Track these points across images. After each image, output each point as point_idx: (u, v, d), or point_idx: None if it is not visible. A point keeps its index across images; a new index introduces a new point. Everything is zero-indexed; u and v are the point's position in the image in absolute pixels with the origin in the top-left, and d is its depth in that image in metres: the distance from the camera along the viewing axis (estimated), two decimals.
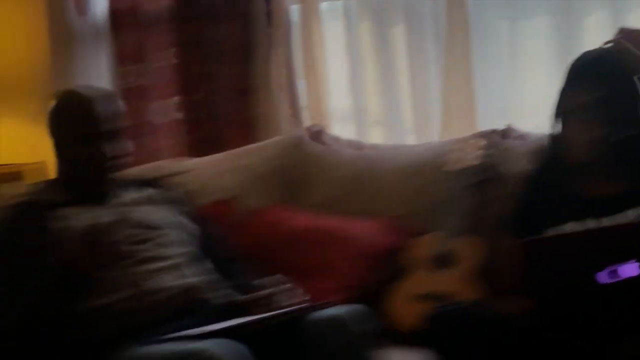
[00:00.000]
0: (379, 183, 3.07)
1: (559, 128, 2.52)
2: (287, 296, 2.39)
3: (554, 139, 2.54)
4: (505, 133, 3.07)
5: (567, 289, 2.18)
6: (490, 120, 3.27)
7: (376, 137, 3.50)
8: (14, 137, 3.82)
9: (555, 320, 2.22)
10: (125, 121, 2.55)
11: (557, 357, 2.23)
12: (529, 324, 2.26)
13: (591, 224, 2.45)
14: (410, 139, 3.44)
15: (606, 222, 2.43)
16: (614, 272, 2.12)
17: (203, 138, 3.57)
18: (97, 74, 3.63)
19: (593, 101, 2.43)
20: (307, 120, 3.49)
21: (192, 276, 2.48)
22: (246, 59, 3.49)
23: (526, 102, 3.34)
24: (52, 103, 2.56)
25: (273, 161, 3.22)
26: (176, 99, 3.60)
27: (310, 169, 3.19)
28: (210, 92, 3.52)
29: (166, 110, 3.59)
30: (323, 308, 2.33)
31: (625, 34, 2.81)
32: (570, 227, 2.46)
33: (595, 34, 3.16)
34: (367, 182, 3.08)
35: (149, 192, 2.67)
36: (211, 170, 3.21)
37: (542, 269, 2.17)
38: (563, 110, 2.50)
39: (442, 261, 2.76)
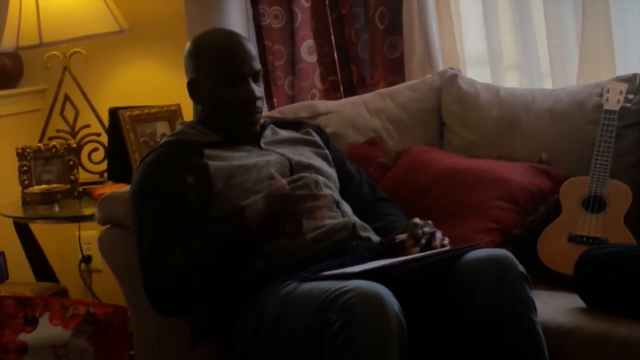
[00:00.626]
0: (522, 127, 3.06)
1: None
2: (440, 237, 2.36)
3: None
4: None
5: None
6: (628, 65, 3.23)
7: (511, 81, 3.48)
8: (149, 80, 3.90)
9: None
10: (258, 62, 2.56)
11: None
12: None
13: None
14: (547, 84, 3.40)
15: None
16: None
17: (344, 80, 3.59)
18: (233, 15, 3.64)
19: None
20: (441, 64, 3.48)
21: (345, 215, 2.52)
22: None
23: None
24: (190, 45, 2.58)
25: (412, 104, 3.21)
26: (310, 41, 3.60)
27: (450, 113, 3.19)
28: (351, 33, 3.52)
29: (307, 51, 3.60)
30: (471, 250, 2.28)
31: None
32: None
33: None
34: (510, 126, 3.07)
35: (289, 133, 2.71)
36: (353, 112, 3.20)
37: None
38: None
39: (592, 205, 2.76)
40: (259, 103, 2.55)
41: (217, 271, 2.28)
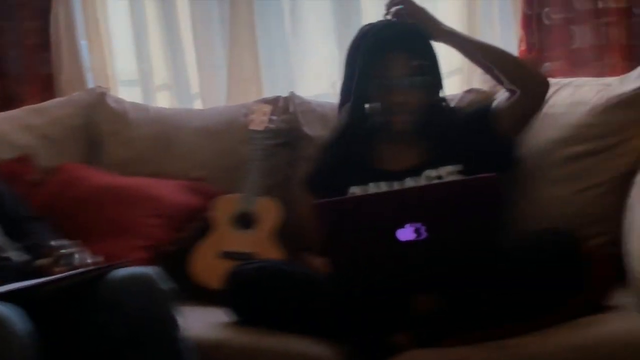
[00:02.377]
0: (176, 145, 3.10)
1: (360, 99, 2.61)
2: (80, 257, 2.32)
3: (355, 108, 2.63)
4: (289, 100, 3.17)
5: (364, 247, 2.27)
6: (274, 88, 3.37)
7: (162, 101, 3.51)
8: None
9: (353, 278, 2.31)
10: None
11: (354, 313, 2.33)
12: (327, 282, 2.35)
13: (373, 189, 2.58)
14: (197, 104, 3.47)
15: (395, 186, 2.58)
16: (405, 234, 2.22)
17: None
18: None
19: (405, 72, 2.55)
20: (92, 82, 3.44)
21: None
22: (40, 15, 3.39)
23: (308, 71, 3.46)
24: None
25: (66, 120, 3.17)
26: None
27: (106, 130, 3.17)
28: (2, 47, 3.40)
29: None
30: (119, 267, 2.27)
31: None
32: (354, 190, 2.59)
33: (372, 8, 3.33)
34: (166, 143, 3.10)
35: None
36: (2, 128, 3.10)
37: (334, 230, 2.24)
38: (365, 82, 2.58)
39: (243, 221, 2.83)
40: None
41: None
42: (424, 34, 2.60)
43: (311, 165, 2.78)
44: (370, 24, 2.66)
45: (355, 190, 2.60)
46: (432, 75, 2.61)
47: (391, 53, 2.55)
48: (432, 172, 2.60)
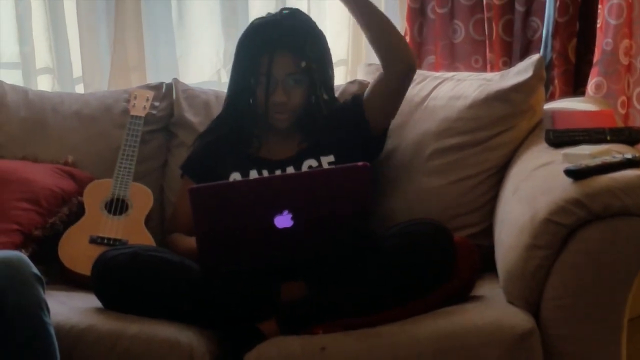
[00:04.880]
0: (51, 128, 3.03)
1: (243, 92, 2.65)
2: None
3: (238, 100, 2.68)
4: (172, 86, 3.15)
5: (233, 234, 2.28)
6: (158, 75, 3.35)
7: (43, 84, 3.45)
8: None
9: (220, 263, 2.34)
10: None
11: (222, 300, 2.34)
12: (196, 268, 2.37)
13: (254, 175, 2.61)
14: (79, 89, 3.43)
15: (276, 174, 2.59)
16: (272, 221, 2.26)
17: None
18: None
19: (290, 72, 2.58)
20: None
21: None
22: None
23: (193, 59, 3.46)
24: None
25: None
26: None
27: None
28: None
29: None
30: None
31: None
32: (235, 176, 2.61)
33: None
34: (39, 127, 3.03)
35: None
36: None
37: (207, 215, 2.25)
38: (249, 77, 2.61)
39: (114, 207, 2.79)
40: None
41: None
42: (313, 32, 2.62)
43: (192, 151, 2.78)
44: (260, 19, 2.68)
45: (235, 177, 2.61)
46: (318, 73, 2.63)
47: (277, 52, 2.57)
48: (313, 162, 2.62)
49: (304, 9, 3.14)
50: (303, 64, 2.58)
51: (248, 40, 2.64)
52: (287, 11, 2.67)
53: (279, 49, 2.58)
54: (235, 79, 2.68)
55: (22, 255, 2.21)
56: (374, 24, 2.60)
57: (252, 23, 2.69)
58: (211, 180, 2.46)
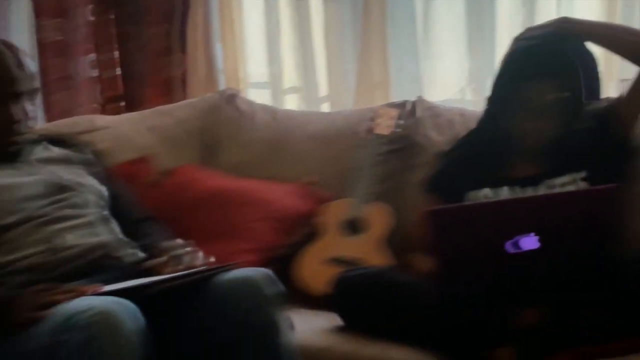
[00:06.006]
0: (293, 148, 3.09)
1: (499, 112, 2.59)
2: (191, 258, 2.32)
3: (491, 119, 2.63)
4: (416, 104, 3.11)
5: (472, 257, 2.21)
6: (402, 92, 3.33)
7: (291, 104, 3.53)
8: None
9: (458, 288, 2.27)
10: (36, 80, 2.44)
11: (456, 324, 2.28)
12: (434, 291, 2.30)
13: (505, 193, 2.55)
14: (325, 107, 3.48)
15: (519, 193, 2.53)
16: (516, 244, 2.18)
17: (119, 97, 3.55)
18: (17, 27, 3.56)
19: (548, 99, 2.50)
20: (222, 84, 3.49)
21: (103, 234, 2.47)
22: (165, 19, 3.46)
23: (437, 76, 3.41)
24: None
25: (189, 122, 3.21)
26: (92, 56, 3.56)
27: (225, 132, 3.19)
28: (127, 51, 3.49)
29: (83, 67, 3.54)
30: (229, 270, 2.25)
31: None
32: (485, 192, 2.56)
33: (507, 13, 3.26)
34: (282, 147, 3.10)
35: (61, 151, 2.64)
36: (126, 129, 3.16)
37: (447, 238, 2.19)
38: (506, 101, 2.56)
39: (353, 227, 2.80)
40: (30, 123, 2.46)
41: None
42: (571, 58, 2.54)
43: (439, 167, 2.75)
44: (523, 39, 2.61)
45: (486, 192, 2.57)
46: (574, 99, 2.53)
47: (536, 78, 2.51)
48: (562, 179, 2.53)
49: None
50: (561, 89, 2.50)
51: (509, 61, 2.60)
52: (549, 32, 2.58)
53: (537, 73, 2.51)
54: (495, 99, 2.63)
55: (263, 274, 2.23)
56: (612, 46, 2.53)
57: (516, 40, 2.63)
58: (457, 196, 2.46)
